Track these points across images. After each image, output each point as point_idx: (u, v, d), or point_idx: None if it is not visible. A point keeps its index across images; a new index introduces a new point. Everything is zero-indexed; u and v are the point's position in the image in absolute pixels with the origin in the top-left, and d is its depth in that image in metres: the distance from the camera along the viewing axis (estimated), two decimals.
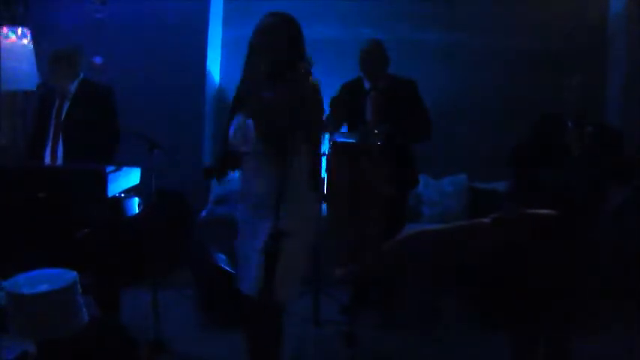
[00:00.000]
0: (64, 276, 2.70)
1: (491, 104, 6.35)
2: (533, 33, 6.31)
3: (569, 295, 3.55)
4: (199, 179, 6.12)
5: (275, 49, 2.89)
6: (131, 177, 3.91)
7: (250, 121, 2.89)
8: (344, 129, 4.61)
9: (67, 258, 3.24)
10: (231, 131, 2.91)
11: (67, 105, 4.38)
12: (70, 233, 3.56)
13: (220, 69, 6.62)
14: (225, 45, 6.60)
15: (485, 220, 1.95)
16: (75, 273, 2.72)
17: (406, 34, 6.22)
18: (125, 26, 6.13)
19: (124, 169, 3.80)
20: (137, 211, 3.96)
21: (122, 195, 3.80)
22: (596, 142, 3.67)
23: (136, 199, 3.94)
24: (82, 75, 4.45)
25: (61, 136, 4.34)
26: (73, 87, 4.39)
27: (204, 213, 6.02)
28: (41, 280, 2.65)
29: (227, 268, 4.92)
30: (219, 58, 6.59)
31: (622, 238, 5.12)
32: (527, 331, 3.78)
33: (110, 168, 3.66)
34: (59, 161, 4.29)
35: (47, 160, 4.33)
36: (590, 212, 3.58)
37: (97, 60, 5.74)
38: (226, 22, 6.60)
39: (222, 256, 5.08)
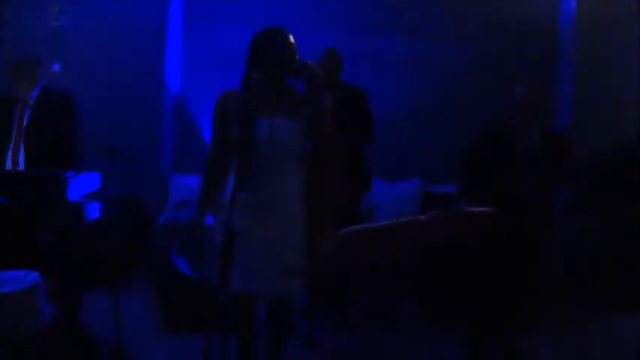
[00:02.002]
0: (27, 277, 2.76)
1: (443, 109, 6.52)
2: (485, 39, 6.52)
3: (510, 293, 3.75)
4: (158, 185, 6.24)
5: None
6: (91, 181, 3.98)
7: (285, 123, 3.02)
8: None
9: (28, 262, 3.30)
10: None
11: (27, 112, 4.43)
12: (32, 238, 3.60)
13: (180, 77, 6.67)
14: (184, 52, 6.66)
15: (422, 217, 2.10)
16: (37, 274, 2.79)
17: (359, 43, 6.36)
18: (83, 34, 6.18)
19: (84, 173, 3.87)
20: (98, 216, 4.02)
21: (83, 199, 3.86)
22: (543, 144, 3.88)
23: (97, 204, 4.01)
24: (42, 82, 4.49)
25: (22, 144, 4.39)
26: (33, 94, 4.44)
27: (162, 218, 6.09)
28: (3, 281, 2.71)
29: (187, 273, 5.01)
30: (178, 66, 6.64)
31: (569, 237, 5.34)
32: (472, 327, 3.97)
33: (70, 173, 3.72)
34: (20, 168, 4.33)
35: (8, 166, 4.37)
36: (536, 212, 3.77)
37: (55, 67, 5.77)
38: (185, 29, 6.66)
39: (182, 261, 5.16)
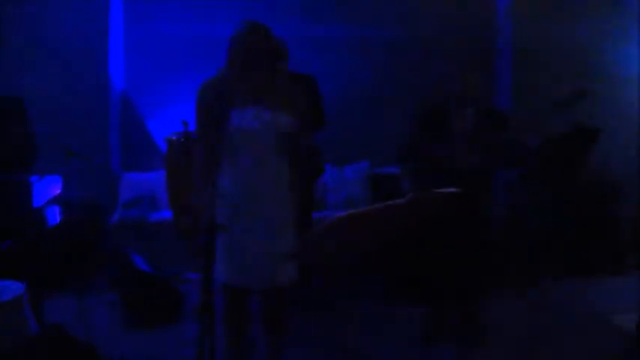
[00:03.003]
0: (10, 287, 2.75)
1: (389, 92, 6.63)
2: (427, 22, 6.63)
3: (472, 266, 3.93)
4: (108, 184, 6.19)
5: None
6: (53, 185, 3.96)
7: (264, 113, 3.07)
8: None
9: None
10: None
11: None
12: None
13: (124, 72, 6.61)
14: (126, 51, 6.59)
15: (401, 200, 2.20)
16: (22, 285, 2.78)
17: (303, 30, 6.41)
18: (23, 30, 6.05)
19: (47, 177, 3.84)
20: (58, 220, 4.00)
21: (45, 204, 3.84)
22: (477, 122, 4.04)
23: (57, 208, 3.99)
24: None
25: None
26: None
27: (115, 217, 6.06)
28: None
29: (144, 268, 5.06)
30: (122, 65, 6.58)
31: (511, 214, 5.56)
32: (439, 300, 4.14)
33: (34, 177, 3.69)
34: None
35: None
36: (479, 190, 3.94)
37: None
38: (127, 27, 6.59)
39: (139, 257, 5.21)
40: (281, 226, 3.19)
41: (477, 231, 3.97)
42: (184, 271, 5.69)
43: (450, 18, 6.60)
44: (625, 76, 6.50)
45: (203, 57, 6.31)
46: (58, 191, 4.03)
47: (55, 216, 4.01)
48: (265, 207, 3.14)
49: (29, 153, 4.33)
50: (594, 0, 6.46)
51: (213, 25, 6.32)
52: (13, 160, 4.15)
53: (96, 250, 5.24)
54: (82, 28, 6.09)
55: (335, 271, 4.81)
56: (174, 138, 4.73)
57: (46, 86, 5.80)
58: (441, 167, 3.89)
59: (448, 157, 3.91)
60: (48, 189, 3.83)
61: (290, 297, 3.32)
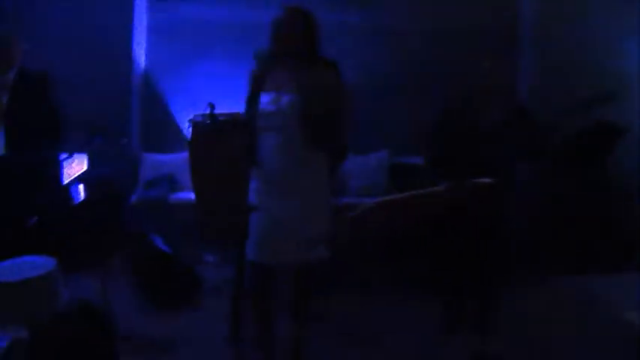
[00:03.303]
0: (44, 263, 2.77)
1: (410, 82, 6.55)
2: (448, 12, 6.54)
3: (497, 256, 3.92)
4: (129, 164, 6.21)
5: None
6: (80, 164, 3.97)
7: (288, 98, 3.06)
8: None
9: (18, 246, 3.30)
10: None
11: (5, 95, 4.34)
12: (22, 222, 3.59)
13: (146, 54, 6.61)
14: (150, 29, 6.58)
15: (439, 188, 2.20)
16: (53, 260, 2.80)
17: (328, 15, 6.37)
18: (47, 11, 6.05)
19: (75, 155, 3.86)
20: (83, 198, 4.02)
21: (73, 182, 3.86)
22: (507, 119, 4.02)
23: (83, 186, 4.00)
24: (18, 64, 4.40)
25: (1, 128, 4.31)
26: (10, 76, 4.36)
27: (134, 197, 6.08)
28: (21, 268, 2.72)
29: (164, 249, 5.05)
30: (144, 43, 6.57)
31: (530, 208, 5.54)
32: (460, 289, 4.14)
33: (63, 155, 3.71)
34: (0, 152, 4.27)
35: None
36: (502, 184, 3.92)
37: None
38: (151, 5, 6.56)
39: (158, 238, 5.19)
40: (308, 207, 3.19)
41: (504, 222, 3.97)
42: (202, 253, 5.69)
43: (471, 7, 6.53)
44: None
45: (226, 41, 6.38)
46: (84, 169, 4.04)
47: (79, 194, 4.01)
48: (291, 187, 3.16)
49: (54, 128, 4.34)
50: None
51: (236, 9, 6.33)
52: (35, 137, 4.16)
53: (117, 230, 5.27)
54: (107, 10, 6.12)
55: (365, 255, 4.80)
56: (199, 120, 4.70)
57: (70, 66, 5.78)
58: (467, 160, 3.87)
59: (475, 149, 3.89)
60: (75, 167, 3.84)
61: (316, 279, 3.33)
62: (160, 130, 6.59)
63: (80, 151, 4.11)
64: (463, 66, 6.22)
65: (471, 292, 4.22)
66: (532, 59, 6.59)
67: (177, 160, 6.28)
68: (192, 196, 5.87)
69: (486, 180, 2.28)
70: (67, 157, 3.74)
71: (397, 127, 6.47)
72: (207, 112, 4.89)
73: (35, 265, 2.75)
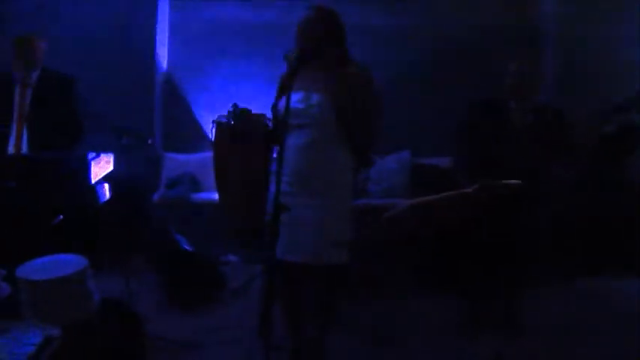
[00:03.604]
0: (75, 262, 2.80)
1: (431, 83, 6.57)
2: (475, 15, 6.58)
3: (523, 257, 3.91)
4: (151, 164, 6.25)
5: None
6: (107, 163, 4.01)
7: (317, 96, 3.10)
8: None
9: (43, 244, 3.33)
10: (281, 105, 3.09)
11: (29, 94, 4.40)
12: (47, 220, 3.63)
13: (168, 54, 6.65)
14: (172, 29, 6.63)
15: (468, 189, 2.20)
16: (85, 259, 2.83)
17: (354, 19, 6.37)
18: (70, 11, 6.15)
19: (102, 155, 3.90)
20: (108, 198, 4.05)
21: (99, 181, 3.89)
22: (538, 120, 4.01)
23: (108, 186, 4.04)
24: (42, 63, 4.46)
25: (25, 126, 4.37)
26: (34, 76, 4.41)
27: (156, 197, 6.12)
28: (53, 267, 2.75)
29: (187, 248, 5.06)
30: (166, 42, 6.62)
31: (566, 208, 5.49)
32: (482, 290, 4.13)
33: (91, 154, 3.74)
34: (24, 150, 4.33)
35: (11, 150, 4.36)
36: (536, 185, 3.91)
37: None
38: (173, 3, 6.63)
39: (181, 237, 5.20)
40: (333, 207, 3.20)
41: (532, 223, 3.96)
42: (224, 253, 5.71)
43: (495, 10, 6.56)
44: None
45: (248, 42, 6.41)
46: (110, 169, 4.07)
47: (105, 193, 4.05)
48: (316, 187, 3.17)
49: (77, 129, 4.39)
50: None
51: (259, 10, 6.36)
52: (58, 136, 4.21)
53: (140, 228, 5.31)
54: (130, 11, 6.21)
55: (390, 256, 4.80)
56: (223, 121, 4.71)
57: (94, 66, 5.85)
58: (496, 163, 3.87)
59: (504, 152, 3.88)
60: (102, 166, 3.87)
61: (342, 279, 3.34)
62: (182, 130, 6.64)
63: (108, 151, 4.12)
64: (486, 66, 6.33)
65: (496, 292, 4.21)
66: (554, 58, 6.53)
67: (199, 160, 6.35)
68: (213, 196, 5.92)
69: (516, 181, 2.27)
70: (95, 157, 3.77)
71: (419, 127, 6.48)
72: (231, 112, 4.93)
73: (67, 263, 2.78)
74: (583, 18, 6.27)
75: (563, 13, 6.43)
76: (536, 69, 4.18)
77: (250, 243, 5.28)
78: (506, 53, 6.17)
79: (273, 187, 3.16)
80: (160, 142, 6.56)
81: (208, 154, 5.96)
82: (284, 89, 3.12)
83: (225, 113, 5.40)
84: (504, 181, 2.29)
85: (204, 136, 6.49)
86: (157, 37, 6.39)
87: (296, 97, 3.08)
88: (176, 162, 6.43)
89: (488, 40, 6.50)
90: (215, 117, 5.70)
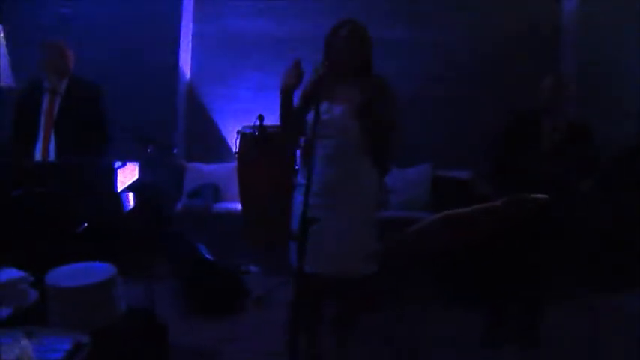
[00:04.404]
0: (104, 270, 2.83)
1: (452, 95, 6.53)
2: (489, 26, 6.54)
3: (546, 271, 3.90)
4: (173, 173, 6.28)
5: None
6: (132, 172, 4.04)
7: (342, 108, 3.12)
8: None
9: (66, 251, 3.36)
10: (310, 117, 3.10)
11: (58, 102, 4.46)
12: (73, 228, 3.66)
13: (191, 64, 6.68)
14: (194, 39, 6.65)
15: (497, 203, 2.20)
16: (114, 267, 2.86)
17: (377, 32, 6.38)
18: (95, 21, 6.21)
19: (128, 164, 3.93)
20: (133, 206, 4.08)
21: (125, 190, 3.93)
22: (567, 135, 4.00)
23: (133, 194, 4.07)
24: (71, 72, 4.52)
25: (52, 133, 4.42)
26: (64, 84, 4.47)
27: (179, 206, 6.15)
28: (81, 274, 2.78)
29: (208, 257, 5.10)
30: (189, 53, 6.65)
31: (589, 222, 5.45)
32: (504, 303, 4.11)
33: (117, 163, 3.78)
34: (51, 157, 4.38)
35: (38, 156, 4.41)
36: (562, 199, 3.89)
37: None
38: (196, 15, 6.64)
39: (203, 246, 5.26)
40: (358, 219, 3.21)
41: (556, 238, 3.95)
42: (245, 263, 5.72)
43: (514, 21, 6.50)
44: None
45: (270, 53, 6.43)
46: (136, 177, 4.11)
47: (130, 202, 4.08)
48: (341, 198, 3.18)
49: (102, 139, 4.43)
50: None
51: (283, 21, 6.39)
52: (84, 144, 4.26)
53: (163, 237, 5.33)
54: (154, 18, 6.25)
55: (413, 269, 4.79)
56: (248, 132, 4.76)
57: (113, 74, 5.87)
58: (525, 178, 3.86)
59: (534, 168, 3.87)
60: (128, 175, 3.91)
61: (367, 292, 3.34)
62: (205, 141, 6.65)
63: (134, 160, 4.17)
64: (508, 77, 6.32)
65: (518, 305, 4.20)
66: (574, 69, 6.49)
67: (221, 171, 6.36)
68: (235, 206, 5.98)
69: (543, 196, 2.27)
70: (121, 165, 3.81)
71: (440, 140, 6.45)
72: (257, 123, 4.95)
73: (96, 271, 2.81)
74: (605, 27, 6.21)
75: (584, 22, 6.37)
76: (571, 82, 4.15)
77: (272, 254, 5.29)
78: (529, 63, 6.27)
79: (298, 199, 3.18)
80: (182, 152, 6.57)
81: (231, 165, 6.06)
82: (308, 100, 3.13)
83: (250, 124, 5.47)
84: (533, 196, 2.29)
85: (227, 146, 6.50)
86: (181, 47, 6.43)
87: (321, 108, 3.09)
88: (199, 172, 6.42)
89: (509, 50, 6.47)
90: (239, 127, 5.80)
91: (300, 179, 3.28)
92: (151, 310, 3.25)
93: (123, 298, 2.84)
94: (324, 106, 3.16)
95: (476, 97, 6.42)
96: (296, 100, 3.28)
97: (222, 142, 6.62)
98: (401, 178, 6.37)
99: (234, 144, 5.50)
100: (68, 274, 2.80)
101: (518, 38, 6.47)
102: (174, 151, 4.28)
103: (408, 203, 6.29)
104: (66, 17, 6.21)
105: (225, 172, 6.28)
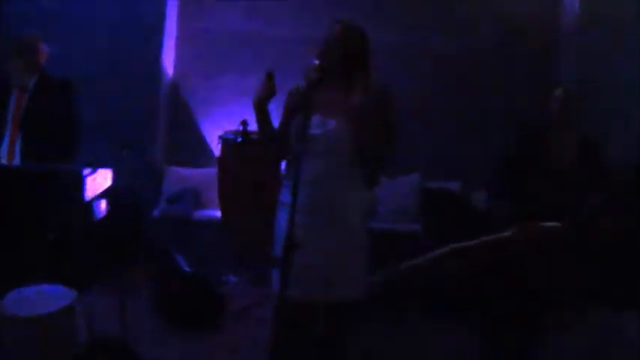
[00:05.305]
0: (63, 294, 2.57)
1: (441, 105, 6.38)
2: (485, 35, 6.39)
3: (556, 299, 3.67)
4: (152, 177, 6.04)
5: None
6: (104, 180, 3.77)
7: (336, 122, 2.84)
8: None
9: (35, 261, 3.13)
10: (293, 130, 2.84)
11: (25, 100, 4.19)
12: (40, 237, 3.41)
13: (174, 63, 6.48)
14: (178, 39, 6.47)
15: (507, 234, 1.99)
16: (75, 292, 2.60)
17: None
18: (76, 19, 6.00)
19: (99, 170, 3.66)
20: (105, 214, 3.83)
21: (95, 198, 3.66)
22: (579, 152, 3.77)
23: (105, 202, 3.81)
24: (41, 69, 4.25)
25: (19, 134, 4.15)
26: (32, 81, 4.20)
27: (156, 212, 5.90)
28: (39, 299, 2.52)
29: (185, 269, 4.81)
30: (173, 52, 6.45)
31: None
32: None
33: (86, 169, 3.51)
34: (17, 158, 4.11)
35: (3, 157, 4.14)
36: (572, 217, 3.67)
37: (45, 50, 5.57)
38: (180, 14, 6.48)
39: (181, 257, 4.97)
40: (349, 238, 2.94)
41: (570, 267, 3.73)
42: (225, 273, 5.49)
43: (510, 32, 6.35)
44: None
45: (256, 56, 6.21)
46: (109, 184, 3.84)
47: (102, 210, 3.82)
48: (331, 217, 2.91)
49: (71, 139, 4.16)
50: None
51: (270, 22, 6.28)
52: (53, 145, 3.98)
53: (138, 246, 5.09)
54: (138, 16, 6.05)
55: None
56: (230, 137, 4.51)
57: (96, 73, 5.69)
58: (535, 201, 3.63)
59: (546, 188, 3.64)
60: (99, 182, 3.64)
61: (353, 318, 3.08)
62: (186, 143, 6.45)
63: (108, 164, 3.91)
64: (499, 86, 6.14)
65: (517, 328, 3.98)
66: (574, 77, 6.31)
67: (203, 175, 6.15)
68: (216, 213, 5.76)
69: (555, 224, 2.04)
70: (91, 172, 3.53)
71: (430, 149, 6.32)
72: (240, 128, 4.73)
73: (55, 295, 2.54)
74: (605, 36, 6.02)
75: (584, 33, 6.21)
76: (582, 94, 3.92)
77: (253, 265, 5.07)
78: (525, 71, 6.09)
79: (282, 220, 2.91)
80: (162, 154, 6.35)
81: (214, 170, 5.84)
82: (294, 111, 2.85)
83: (233, 129, 5.23)
84: (545, 225, 2.06)
85: (209, 150, 6.27)
86: (164, 47, 6.22)
87: (312, 121, 2.81)
88: (179, 176, 6.21)
89: (499, 61, 6.32)
90: (222, 131, 5.57)
91: (284, 197, 3.00)
92: (120, 340, 2.98)
93: (84, 329, 2.57)
94: (315, 119, 2.86)
95: (466, 106, 6.28)
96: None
97: (205, 146, 6.42)
98: (390, 187, 6.20)
99: (217, 148, 5.27)
100: (25, 300, 2.52)
101: (515, 45, 6.33)
102: (153, 154, 4.00)
103: (396, 214, 6.16)
104: (46, 12, 5.96)
105: (207, 177, 6.05)
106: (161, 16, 6.19)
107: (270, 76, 2.80)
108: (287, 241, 2.27)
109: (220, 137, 5.09)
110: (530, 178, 3.74)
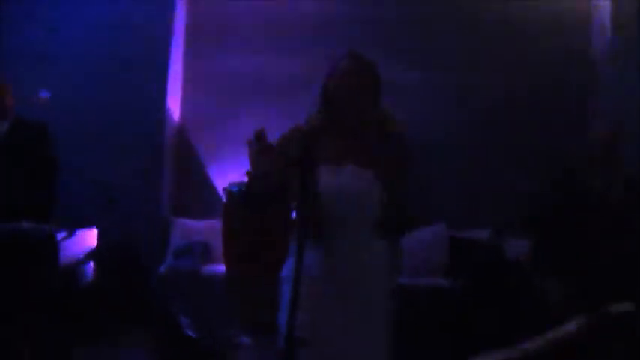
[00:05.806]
0: None
1: (466, 149, 6.06)
2: (516, 72, 6.07)
3: None
4: (157, 229, 5.67)
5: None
6: (86, 241, 3.35)
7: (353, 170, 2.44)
8: None
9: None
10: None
11: None
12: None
13: (181, 107, 6.24)
14: (185, 80, 6.24)
15: (570, 326, 1.54)
16: None
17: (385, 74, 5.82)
18: (76, 58, 5.77)
19: (78, 232, 3.22)
20: (90, 279, 3.40)
21: (76, 262, 3.23)
22: (626, 195, 3.33)
23: (90, 265, 3.38)
24: (13, 113, 3.84)
25: None
26: (3, 127, 3.78)
27: (163, 268, 5.56)
28: None
29: (190, 333, 4.54)
30: (179, 97, 6.20)
31: None
32: None
33: (62, 234, 3.07)
34: None
35: None
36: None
37: (43, 94, 5.23)
38: (187, 55, 6.26)
39: (186, 320, 4.68)
40: (371, 309, 2.47)
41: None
42: (237, 334, 5.10)
43: (541, 66, 6.04)
44: None
45: (266, 96, 5.88)
46: (92, 245, 3.42)
47: (89, 274, 3.40)
48: (350, 285, 2.43)
49: (45, 193, 3.71)
50: None
51: (278, 62, 6.04)
52: (26, 199, 3.54)
53: (136, 300, 4.75)
54: (141, 57, 5.80)
55: None
56: (234, 190, 4.13)
57: (96, 118, 5.49)
58: (582, 251, 3.17)
59: (594, 238, 3.18)
60: (80, 245, 3.22)
61: None
62: (193, 192, 6.16)
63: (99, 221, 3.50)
64: (523, 127, 5.73)
65: None
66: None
67: (212, 227, 5.82)
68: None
69: (629, 306, 1.58)
70: (67, 236, 3.10)
71: (455, 197, 5.98)
72: (245, 180, 4.37)
73: None
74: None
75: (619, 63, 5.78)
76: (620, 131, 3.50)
77: (263, 329, 4.66)
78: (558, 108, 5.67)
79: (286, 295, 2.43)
80: (168, 204, 6.03)
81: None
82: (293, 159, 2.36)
83: (238, 180, 4.85)
84: (616, 310, 1.60)
85: (219, 199, 5.94)
86: (169, 88, 5.97)
87: (324, 170, 2.35)
88: (186, 228, 5.90)
89: (529, 99, 6.01)
90: (230, 181, 5.19)
91: (288, 269, 2.53)
92: None
93: None
94: (323, 171, 2.40)
95: (495, 150, 5.99)
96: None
97: (214, 195, 6.08)
98: (415, 239, 5.82)
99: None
100: None
101: (548, 78, 6.01)
102: (149, 207, 3.61)
103: (424, 265, 5.78)
104: (44, 53, 5.69)
105: (217, 229, 5.68)
106: (165, 56, 5.95)
107: (260, 136, 2.30)
108: (287, 337, 1.82)
109: (224, 189, 4.73)
110: (572, 225, 3.29)
